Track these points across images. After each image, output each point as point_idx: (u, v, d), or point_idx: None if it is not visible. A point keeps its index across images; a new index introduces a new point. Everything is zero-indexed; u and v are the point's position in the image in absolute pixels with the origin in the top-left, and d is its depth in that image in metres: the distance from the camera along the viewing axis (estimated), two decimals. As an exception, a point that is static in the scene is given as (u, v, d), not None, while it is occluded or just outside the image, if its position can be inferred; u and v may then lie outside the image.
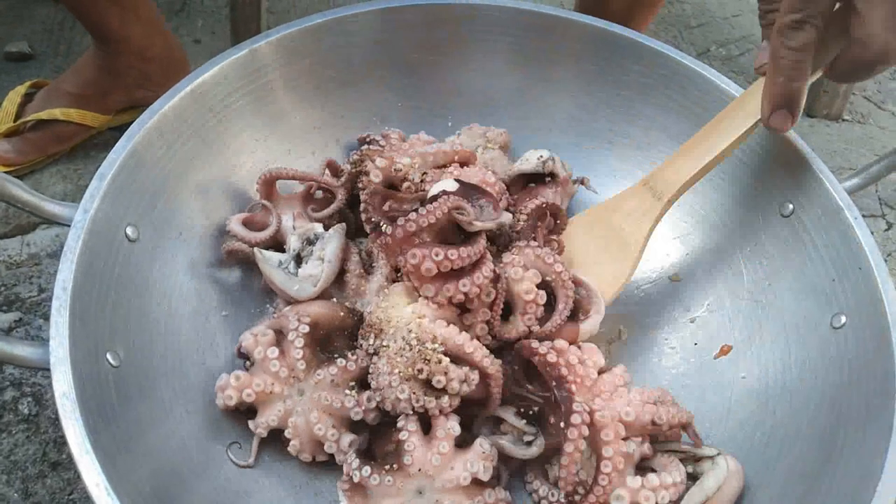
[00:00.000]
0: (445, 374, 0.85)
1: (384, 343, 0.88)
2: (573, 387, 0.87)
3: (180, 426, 0.87)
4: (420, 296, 0.90)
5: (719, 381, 1.03)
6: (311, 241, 1.01)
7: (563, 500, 0.88)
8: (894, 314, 0.87)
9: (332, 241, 1.00)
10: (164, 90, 1.46)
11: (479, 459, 0.86)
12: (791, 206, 1.02)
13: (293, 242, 1.01)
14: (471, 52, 1.16)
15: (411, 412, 0.87)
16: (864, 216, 0.98)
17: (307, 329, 0.91)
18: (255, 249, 1.00)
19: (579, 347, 0.94)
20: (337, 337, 0.94)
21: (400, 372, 0.85)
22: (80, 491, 1.07)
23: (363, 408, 0.89)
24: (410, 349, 0.86)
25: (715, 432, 0.98)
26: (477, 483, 0.86)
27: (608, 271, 1.01)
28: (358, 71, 1.14)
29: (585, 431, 0.84)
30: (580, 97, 1.18)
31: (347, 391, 0.90)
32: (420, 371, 0.85)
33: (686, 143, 0.98)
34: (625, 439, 0.86)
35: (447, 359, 0.86)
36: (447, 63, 1.15)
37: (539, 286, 0.94)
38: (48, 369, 0.74)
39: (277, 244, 1.04)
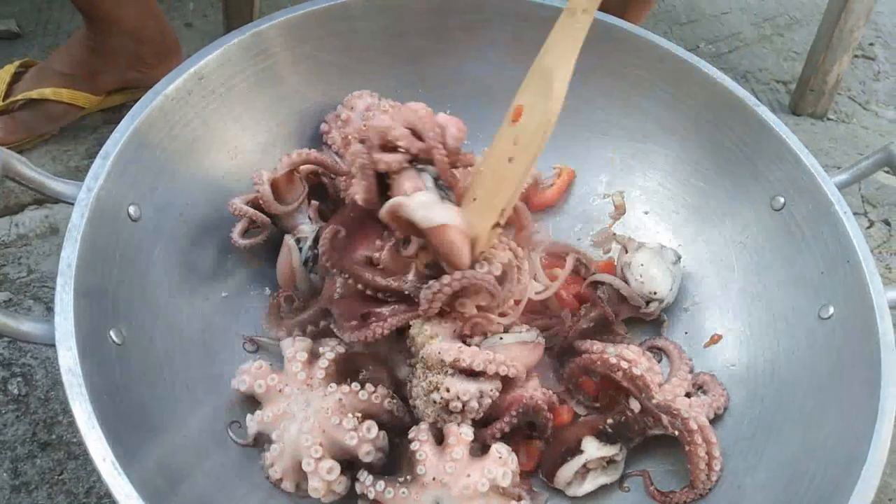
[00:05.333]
0: (459, 397, 0.85)
1: (415, 371, 0.90)
2: (654, 392, 0.95)
3: (181, 404, 0.88)
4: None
5: (709, 369, 1.05)
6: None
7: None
8: (881, 306, 0.89)
9: None
10: (155, 72, 1.48)
11: (496, 466, 0.83)
12: (782, 200, 1.04)
13: (308, 238, 1.03)
14: (472, 41, 1.16)
15: (433, 422, 0.88)
16: (846, 214, 1.00)
17: (343, 350, 0.92)
18: (287, 237, 1.02)
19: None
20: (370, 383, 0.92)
21: (423, 401, 0.88)
22: (70, 472, 1.06)
23: (360, 435, 0.85)
24: (432, 374, 0.87)
25: (705, 419, 1.00)
26: (497, 491, 0.84)
27: (536, 117, 0.89)
28: (360, 56, 1.14)
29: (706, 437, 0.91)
30: (578, 88, 1.16)
31: (350, 415, 0.86)
32: (435, 402, 0.86)
33: None
34: None
35: (455, 384, 0.86)
36: (448, 51, 1.16)
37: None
38: (52, 345, 0.74)
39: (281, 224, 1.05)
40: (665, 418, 0.92)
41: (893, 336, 0.87)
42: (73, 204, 0.83)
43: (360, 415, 0.87)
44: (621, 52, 1.15)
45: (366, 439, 0.85)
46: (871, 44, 2.01)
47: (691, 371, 1.02)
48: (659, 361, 1.04)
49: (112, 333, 0.81)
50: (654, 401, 0.94)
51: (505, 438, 0.90)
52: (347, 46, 1.13)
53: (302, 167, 1.04)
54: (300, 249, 1.02)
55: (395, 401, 0.91)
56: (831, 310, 0.95)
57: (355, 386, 0.88)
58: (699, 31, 1.98)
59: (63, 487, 1.05)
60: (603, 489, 0.94)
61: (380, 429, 0.87)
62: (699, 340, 1.08)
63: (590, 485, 0.93)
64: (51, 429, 1.10)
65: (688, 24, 2.00)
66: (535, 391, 0.92)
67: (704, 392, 1.01)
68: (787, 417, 0.94)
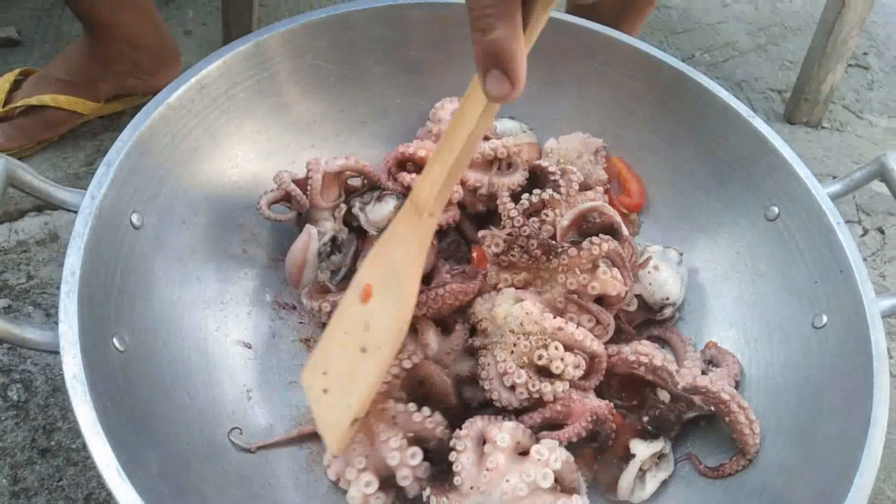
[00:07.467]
0: (562, 359, 0.89)
1: (493, 340, 0.93)
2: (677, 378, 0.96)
3: (183, 411, 0.88)
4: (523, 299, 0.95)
5: (704, 376, 1.05)
6: (335, 242, 1.07)
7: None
8: (873, 315, 0.91)
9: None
10: (154, 79, 1.49)
11: (536, 468, 0.82)
12: (776, 210, 1.05)
13: (327, 234, 1.06)
14: (470, 50, 1.17)
15: (525, 397, 0.89)
16: (840, 222, 1.01)
17: (410, 365, 0.90)
18: (309, 226, 1.05)
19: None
20: (431, 399, 0.92)
21: (517, 359, 0.90)
22: (69, 478, 1.07)
23: (401, 457, 0.84)
24: (527, 338, 0.90)
25: (700, 426, 1.01)
26: (542, 491, 0.82)
27: (389, 316, 0.83)
28: (359, 66, 1.15)
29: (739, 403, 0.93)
30: (575, 98, 1.21)
31: (400, 434, 0.85)
32: (540, 357, 0.89)
33: (437, 146, 0.80)
34: None
35: (562, 345, 0.90)
36: (447, 61, 1.17)
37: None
38: (55, 352, 0.75)
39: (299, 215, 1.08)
40: (697, 399, 0.93)
41: (885, 345, 0.88)
42: (75, 212, 0.84)
43: (411, 435, 0.86)
44: (616, 62, 1.16)
45: (407, 464, 0.84)
46: (865, 53, 2.03)
47: (695, 349, 1.05)
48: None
49: (115, 341, 0.82)
50: (679, 386, 0.95)
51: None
52: (348, 56, 1.13)
53: (346, 172, 1.08)
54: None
55: (447, 430, 0.89)
56: (825, 319, 0.96)
57: (412, 406, 0.87)
58: (695, 40, 1.99)
59: (62, 493, 1.05)
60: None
61: (426, 456, 0.86)
62: (695, 348, 1.08)
63: (651, 485, 0.93)
64: (50, 435, 1.10)
65: (683, 33, 2.01)
66: (596, 401, 0.93)
67: (716, 365, 1.02)
68: (780, 424, 0.95)
